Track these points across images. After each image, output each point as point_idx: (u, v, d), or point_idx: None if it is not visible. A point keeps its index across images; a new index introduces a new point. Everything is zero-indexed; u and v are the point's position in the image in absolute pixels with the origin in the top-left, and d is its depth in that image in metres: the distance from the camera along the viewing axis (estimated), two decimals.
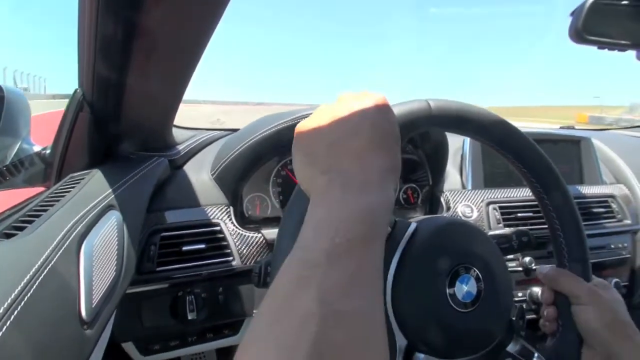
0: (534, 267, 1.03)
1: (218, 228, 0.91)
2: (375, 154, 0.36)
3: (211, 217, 0.91)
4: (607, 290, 0.61)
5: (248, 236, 0.93)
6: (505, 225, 1.09)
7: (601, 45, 0.72)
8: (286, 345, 0.26)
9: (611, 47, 0.73)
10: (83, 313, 0.51)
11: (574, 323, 0.60)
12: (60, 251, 0.50)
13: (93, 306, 0.53)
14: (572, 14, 0.71)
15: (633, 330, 0.57)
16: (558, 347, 0.62)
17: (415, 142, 1.16)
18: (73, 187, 0.66)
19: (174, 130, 1.01)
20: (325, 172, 0.37)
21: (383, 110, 0.40)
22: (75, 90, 0.75)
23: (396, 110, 0.54)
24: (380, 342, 0.29)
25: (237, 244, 0.91)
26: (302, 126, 0.42)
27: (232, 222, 0.93)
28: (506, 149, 0.61)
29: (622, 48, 0.73)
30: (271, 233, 0.95)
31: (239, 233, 0.92)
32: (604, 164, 1.39)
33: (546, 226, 0.68)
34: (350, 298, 0.29)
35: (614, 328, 0.56)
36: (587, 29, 0.70)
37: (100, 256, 0.57)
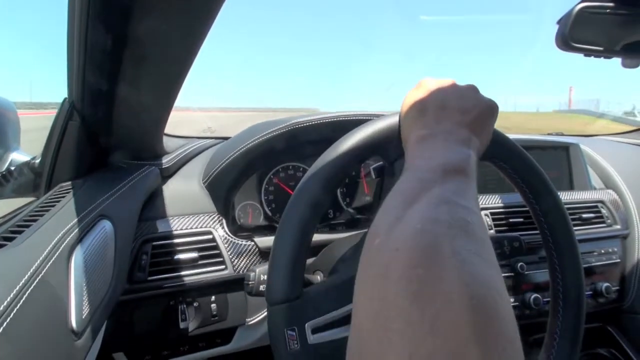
0: (526, 273, 1.04)
1: (210, 236, 0.90)
2: (469, 123, 0.47)
3: (203, 226, 0.91)
4: None
5: (240, 244, 0.93)
6: (497, 231, 1.09)
7: (587, 53, 0.73)
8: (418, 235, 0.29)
9: (597, 54, 0.74)
10: (73, 323, 0.50)
11: None
12: (51, 261, 0.49)
13: (83, 317, 0.53)
14: (559, 22, 0.72)
15: None
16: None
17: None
18: (63, 197, 0.66)
19: (165, 139, 1.01)
20: (430, 126, 0.47)
21: (477, 95, 0.52)
22: (65, 99, 0.75)
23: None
24: (491, 247, 0.31)
25: (229, 252, 0.90)
26: (416, 92, 0.53)
27: (224, 231, 0.92)
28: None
29: (608, 55, 0.74)
30: (263, 241, 0.94)
31: (231, 241, 0.92)
32: (592, 169, 1.40)
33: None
34: (467, 199, 0.34)
35: None
36: (573, 37, 0.71)
37: (91, 266, 0.57)
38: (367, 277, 0.30)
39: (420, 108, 0.50)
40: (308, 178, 0.55)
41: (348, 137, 0.57)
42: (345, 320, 0.56)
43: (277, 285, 0.53)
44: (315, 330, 0.54)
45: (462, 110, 0.48)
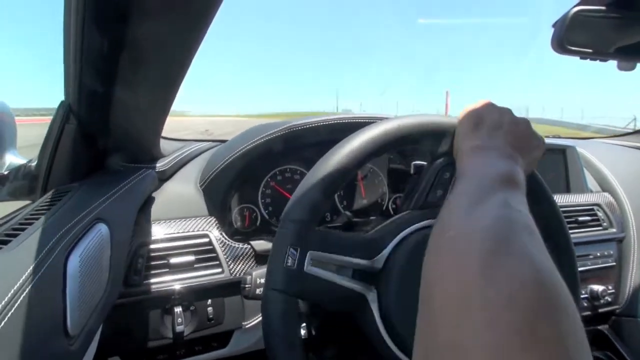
0: None
1: (207, 240, 0.90)
2: (517, 147, 0.52)
3: (200, 229, 0.91)
4: None
5: (237, 247, 0.92)
6: None
7: (583, 56, 0.74)
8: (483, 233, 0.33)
9: (593, 57, 0.74)
10: (69, 327, 0.50)
11: None
12: (46, 265, 0.49)
13: (79, 320, 0.52)
14: (554, 25, 0.72)
15: None
16: None
17: (405, 153, 1.17)
18: (59, 200, 0.65)
19: (162, 142, 1.00)
20: (484, 140, 0.52)
21: (528, 127, 0.57)
22: (62, 102, 0.74)
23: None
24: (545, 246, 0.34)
25: (225, 255, 0.90)
26: (475, 108, 0.58)
27: (221, 234, 0.92)
28: None
29: (604, 58, 0.74)
30: (260, 244, 0.94)
31: (228, 244, 0.92)
32: (589, 172, 1.40)
33: None
34: (523, 205, 0.39)
35: None
36: (568, 40, 0.71)
37: (87, 269, 0.56)
38: (443, 264, 0.34)
39: (477, 122, 0.55)
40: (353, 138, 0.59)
41: (397, 120, 0.61)
42: (343, 270, 0.58)
43: (298, 205, 0.56)
44: (313, 263, 0.55)
45: (513, 135, 0.53)
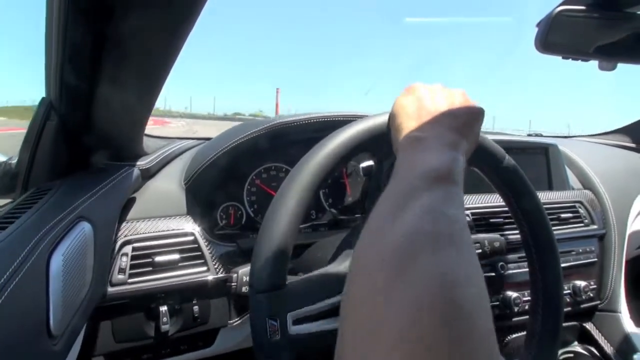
0: (507, 272, 1.05)
1: (191, 238, 0.89)
2: (458, 127, 0.49)
3: (185, 227, 0.90)
4: None
5: (222, 246, 0.92)
6: (477, 231, 1.11)
7: (565, 55, 0.75)
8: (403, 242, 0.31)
9: (575, 57, 0.75)
10: (52, 327, 0.49)
11: None
12: (28, 264, 0.48)
13: (62, 320, 0.52)
14: (538, 25, 0.73)
15: None
16: None
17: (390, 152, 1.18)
18: (40, 198, 0.64)
19: (146, 140, 0.99)
20: (422, 129, 0.49)
21: (466, 100, 0.54)
22: (43, 99, 0.73)
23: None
24: (471, 250, 0.33)
25: (211, 253, 0.90)
26: (407, 96, 0.55)
27: (206, 232, 0.92)
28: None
29: (585, 58, 0.75)
30: (246, 242, 0.94)
31: (213, 243, 0.91)
32: (570, 170, 1.43)
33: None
34: (453, 207, 0.36)
35: None
36: (551, 40, 0.72)
37: (70, 268, 0.56)
38: (356, 283, 0.33)
39: (412, 111, 0.52)
40: (296, 173, 0.55)
41: (336, 135, 0.58)
42: (327, 313, 0.57)
43: (262, 273, 0.53)
44: (296, 322, 0.54)
45: (452, 115, 0.51)
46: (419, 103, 0.53)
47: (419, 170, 0.41)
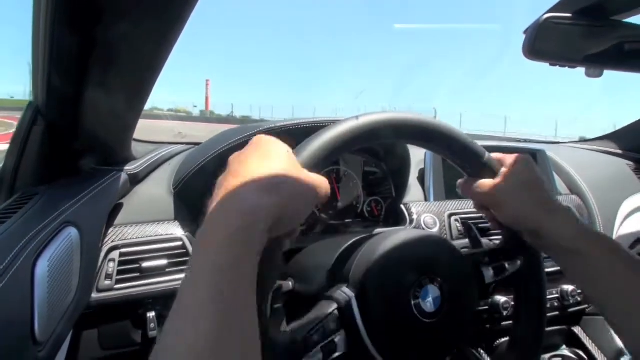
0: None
1: (180, 243, 0.89)
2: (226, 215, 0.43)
3: (173, 233, 0.89)
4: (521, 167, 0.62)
5: None
6: (466, 236, 1.11)
7: (552, 62, 0.76)
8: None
9: (562, 63, 0.76)
10: (37, 334, 0.49)
11: None
12: (12, 270, 0.48)
13: (48, 326, 0.51)
14: (525, 32, 0.74)
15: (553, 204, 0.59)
16: None
17: (379, 156, 1.18)
18: (26, 204, 0.64)
19: (134, 144, 0.99)
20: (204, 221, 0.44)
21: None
22: (30, 103, 0.72)
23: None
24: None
25: None
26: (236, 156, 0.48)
27: (195, 237, 0.91)
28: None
29: (572, 65, 0.76)
30: None
31: None
32: (558, 176, 1.44)
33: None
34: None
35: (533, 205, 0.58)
36: (539, 46, 0.73)
37: (56, 274, 0.55)
38: None
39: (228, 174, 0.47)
40: None
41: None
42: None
43: None
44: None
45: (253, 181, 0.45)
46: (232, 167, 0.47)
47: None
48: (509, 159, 0.62)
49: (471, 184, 0.63)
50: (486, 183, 0.61)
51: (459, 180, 0.67)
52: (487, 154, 0.63)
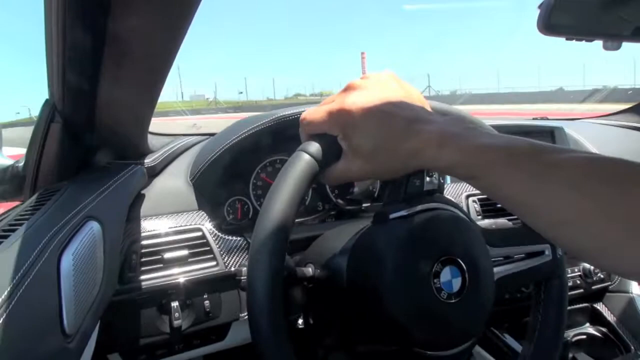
0: None
1: (200, 234, 0.90)
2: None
3: (192, 223, 0.90)
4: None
5: (230, 240, 0.92)
6: (485, 217, 1.10)
7: (569, 37, 0.74)
8: None
9: (578, 37, 0.74)
10: (65, 326, 0.50)
11: None
12: (39, 265, 0.49)
13: (75, 319, 0.52)
14: (540, 6, 0.72)
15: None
16: None
17: None
18: (48, 200, 0.65)
19: (150, 137, 1.00)
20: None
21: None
22: (46, 101, 0.73)
23: None
24: None
25: (219, 248, 0.90)
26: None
27: (214, 227, 0.92)
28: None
29: (589, 38, 0.74)
30: None
31: (221, 237, 0.91)
32: None
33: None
34: None
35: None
36: (554, 21, 0.71)
37: (81, 268, 0.56)
38: None
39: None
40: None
41: None
42: None
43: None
44: None
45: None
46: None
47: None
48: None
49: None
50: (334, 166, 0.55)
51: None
52: None
